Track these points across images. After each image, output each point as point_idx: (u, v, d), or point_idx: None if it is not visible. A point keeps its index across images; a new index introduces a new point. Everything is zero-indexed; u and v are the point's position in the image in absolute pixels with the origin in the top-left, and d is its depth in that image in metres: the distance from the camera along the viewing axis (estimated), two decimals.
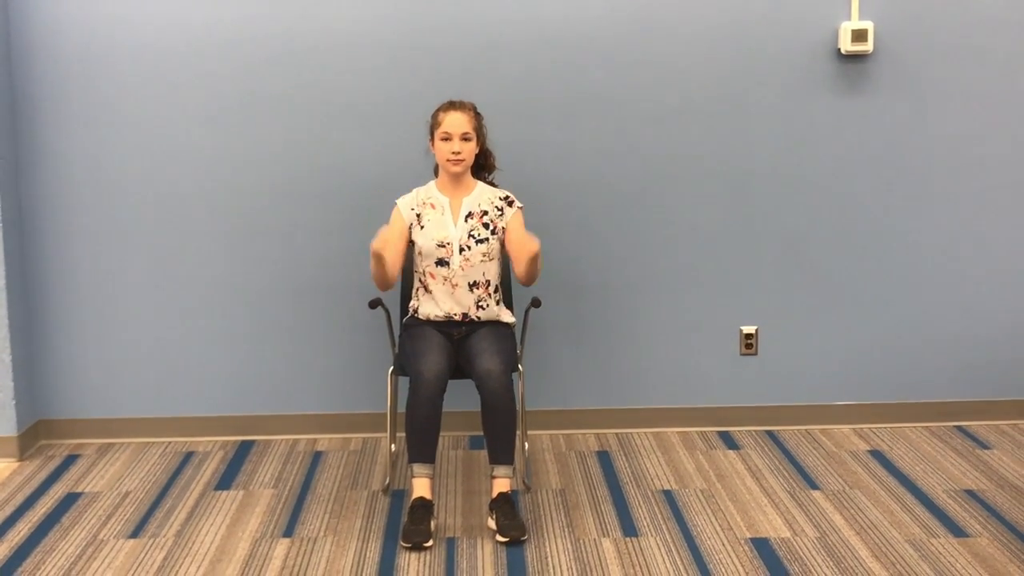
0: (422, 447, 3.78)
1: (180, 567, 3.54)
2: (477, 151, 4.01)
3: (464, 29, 4.51)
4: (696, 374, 4.77)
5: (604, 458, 4.47)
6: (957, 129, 4.63)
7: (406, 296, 4.29)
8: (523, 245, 3.91)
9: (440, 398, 3.77)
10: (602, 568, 3.50)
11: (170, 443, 4.69)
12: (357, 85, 4.53)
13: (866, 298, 4.73)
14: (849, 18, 4.53)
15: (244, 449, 4.61)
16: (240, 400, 4.73)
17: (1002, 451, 4.48)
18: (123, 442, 4.70)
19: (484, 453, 4.49)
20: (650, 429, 4.78)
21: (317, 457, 4.52)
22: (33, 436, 4.63)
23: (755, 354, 4.76)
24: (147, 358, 4.68)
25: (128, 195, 4.57)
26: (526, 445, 4.35)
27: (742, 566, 3.50)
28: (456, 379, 3.99)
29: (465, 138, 3.94)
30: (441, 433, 4.00)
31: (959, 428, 4.76)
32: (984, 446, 4.54)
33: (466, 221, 3.99)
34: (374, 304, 4.20)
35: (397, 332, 4.38)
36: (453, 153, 3.92)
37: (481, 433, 4.01)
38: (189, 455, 4.55)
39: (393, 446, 4.27)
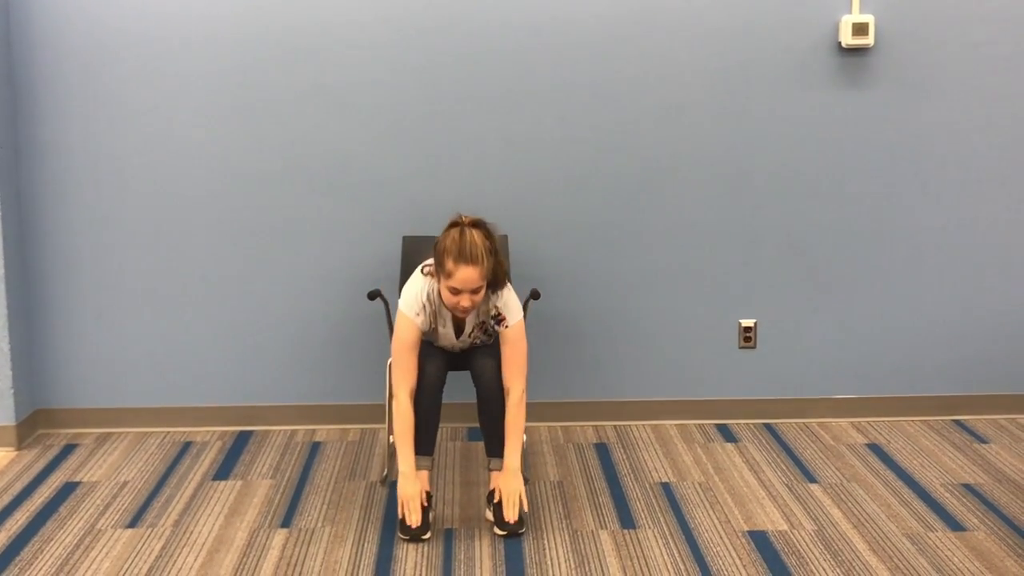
0: (421, 439, 3.78)
1: (178, 557, 3.55)
2: (488, 279, 3.70)
3: (464, 23, 4.50)
4: (694, 367, 4.77)
5: (602, 450, 4.47)
6: (957, 123, 4.63)
7: None
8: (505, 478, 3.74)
9: (440, 391, 3.78)
10: (599, 560, 3.51)
11: (168, 433, 4.69)
12: (357, 80, 4.52)
13: (865, 292, 4.73)
14: (850, 11, 4.52)
15: (242, 439, 4.61)
16: (238, 390, 4.73)
17: (1000, 445, 4.49)
18: (121, 432, 4.70)
19: (482, 445, 4.49)
20: (648, 422, 4.78)
21: (315, 448, 4.52)
22: (31, 425, 4.63)
23: (753, 347, 4.76)
24: (146, 348, 4.68)
25: (128, 185, 4.57)
26: (524, 437, 4.35)
27: (739, 559, 3.51)
28: (454, 371, 3.99)
29: (475, 291, 3.63)
30: (439, 425, 4.00)
31: (957, 422, 4.76)
32: (982, 440, 4.55)
33: (469, 336, 3.91)
34: (373, 296, 4.19)
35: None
36: (462, 308, 3.66)
37: (479, 425, 4.02)
38: (187, 445, 4.55)
39: (391, 437, 4.26)
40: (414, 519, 3.64)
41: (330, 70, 4.51)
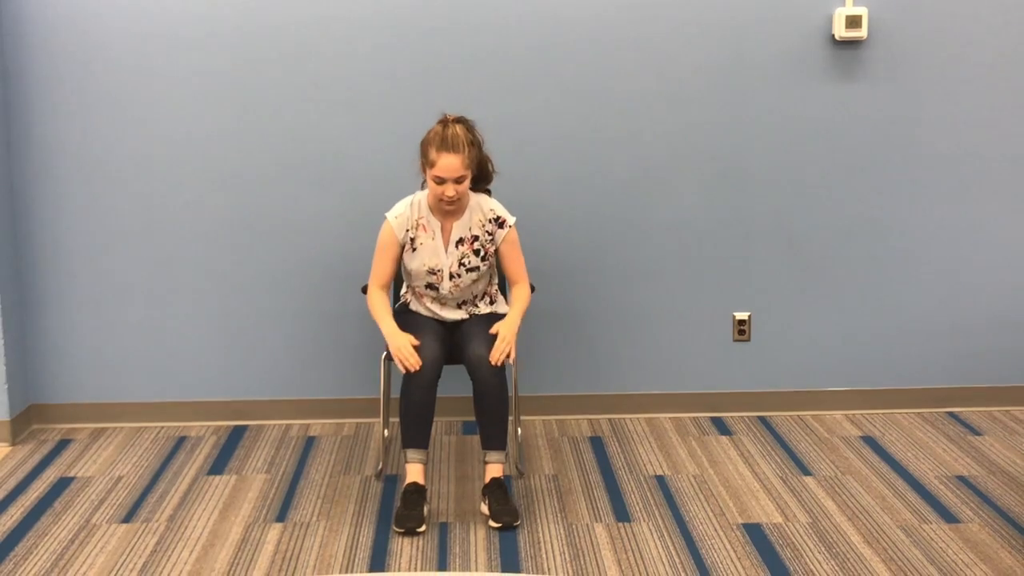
0: (416, 433, 3.78)
1: (173, 552, 3.55)
2: (473, 171, 3.85)
3: (459, 16, 4.49)
4: (689, 360, 4.77)
5: (597, 444, 4.47)
6: (951, 116, 4.63)
7: (399, 280, 4.29)
8: (501, 327, 3.83)
9: (434, 384, 3.77)
10: (594, 553, 3.51)
11: (163, 428, 4.68)
12: (351, 72, 4.51)
13: (859, 284, 4.74)
14: (844, 4, 4.52)
15: (237, 434, 4.61)
16: (233, 385, 4.72)
17: (993, 437, 4.49)
18: (116, 427, 4.70)
19: (477, 438, 4.49)
20: (643, 415, 4.79)
21: (310, 442, 4.52)
22: (25, 420, 4.63)
23: (748, 340, 4.77)
24: (140, 343, 4.67)
25: (121, 181, 4.56)
26: (519, 431, 4.35)
27: (734, 551, 3.51)
28: (449, 364, 3.99)
29: (459, 180, 3.76)
30: (434, 418, 4.00)
31: (951, 414, 4.77)
32: (976, 432, 4.55)
33: (457, 248, 3.92)
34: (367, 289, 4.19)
35: None
36: (447, 197, 3.77)
37: (474, 418, 4.03)
38: (182, 440, 4.55)
39: (386, 431, 4.26)
40: (412, 361, 3.72)
41: (323, 65, 4.51)
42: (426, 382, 3.75)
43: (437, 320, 4.02)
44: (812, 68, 4.57)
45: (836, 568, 3.40)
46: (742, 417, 4.76)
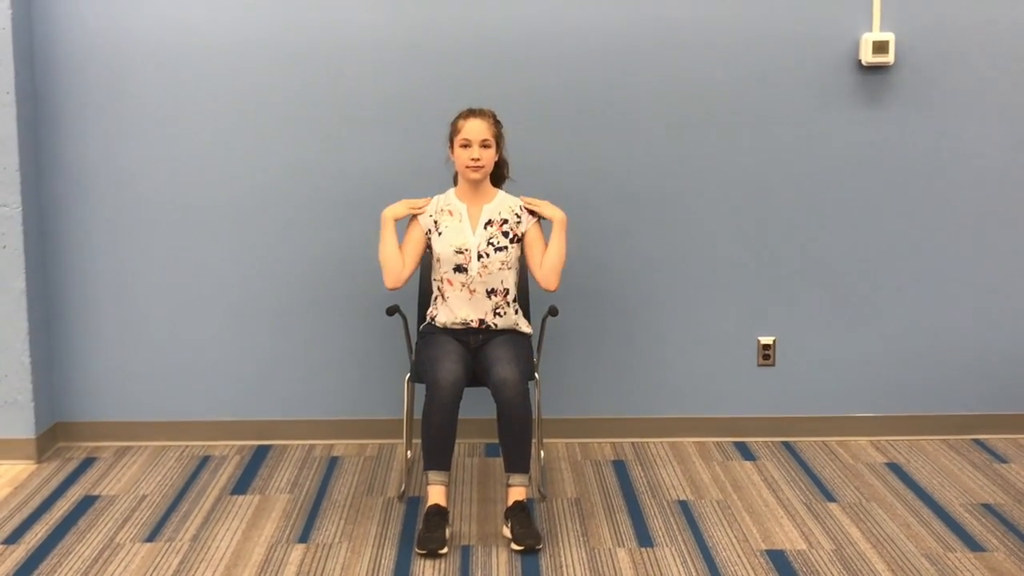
0: (437, 454, 3.78)
1: (196, 571, 3.55)
2: (496, 159, 4.02)
3: (483, 35, 4.52)
4: (713, 384, 4.76)
5: (620, 467, 4.46)
6: (978, 141, 4.61)
7: (424, 303, 4.30)
8: (545, 247, 4.00)
9: (456, 405, 3.78)
10: None
11: (187, 447, 4.70)
12: (376, 92, 4.54)
13: (885, 310, 4.72)
14: (870, 29, 4.52)
15: (260, 454, 4.63)
16: (257, 405, 4.74)
17: (1020, 465, 4.46)
18: (140, 445, 4.72)
19: (500, 461, 4.49)
20: (666, 439, 4.77)
21: (333, 462, 4.53)
22: (51, 438, 4.66)
23: (772, 365, 4.75)
24: (165, 362, 4.70)
25: (147, 200, 4.60)
26: (542, 453, 4.35)
27: None
28: (472, 387, 3.99)
29: (485, 145, 3.94)
30: (457, 440, 4.00)
31: (977, 441, 4.74)
32: (1002, 460, 4.52)
33: (485, 229, 3.99)
34: (392, 311, 4.20)
35: (414, 339, 4.39)
36: (472, 160, 3.93)
37: (497, 441, 4.03)
38: (206, 459, 4.56)
39: (409, 453, 4.27)
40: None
41: (351, 82, 4.53)
42: (447, 404, 3.76)
43: (460, 342, 4.02)
44: (839, 93, 4.57)
45: None
46: (766, 442, 4.74)
